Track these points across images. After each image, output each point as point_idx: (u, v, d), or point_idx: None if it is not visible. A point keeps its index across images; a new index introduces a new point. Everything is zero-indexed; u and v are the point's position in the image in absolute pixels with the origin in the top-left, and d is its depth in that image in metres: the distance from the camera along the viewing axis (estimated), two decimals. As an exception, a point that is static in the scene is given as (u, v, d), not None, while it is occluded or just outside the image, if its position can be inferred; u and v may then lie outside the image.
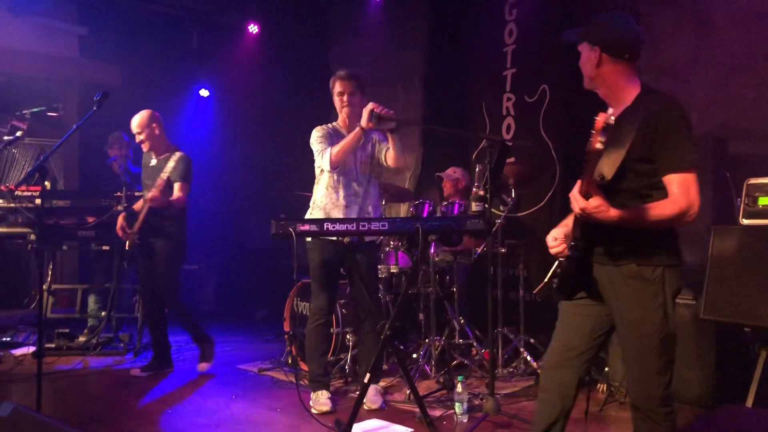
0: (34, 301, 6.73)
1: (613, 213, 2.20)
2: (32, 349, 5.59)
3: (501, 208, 5.29)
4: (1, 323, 6.33)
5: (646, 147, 2.28)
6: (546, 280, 2.54)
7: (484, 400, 4.02)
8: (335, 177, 4.16)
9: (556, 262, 2.50)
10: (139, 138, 4.93)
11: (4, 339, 5.94)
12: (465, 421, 3.85)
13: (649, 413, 2.37)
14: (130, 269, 5.67)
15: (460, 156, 6.27)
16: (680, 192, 2.25)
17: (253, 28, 7.87)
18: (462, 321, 5.01)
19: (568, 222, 2.48)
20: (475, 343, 4.93)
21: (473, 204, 3.83)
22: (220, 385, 4.76)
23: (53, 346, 5.53)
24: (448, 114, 6.60)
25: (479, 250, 5.00)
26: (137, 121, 4.93)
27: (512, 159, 5.58)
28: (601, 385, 4.31)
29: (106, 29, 7.47)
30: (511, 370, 4.81)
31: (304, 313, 5.03)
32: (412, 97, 7.08)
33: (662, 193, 2.30)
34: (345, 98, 4.18)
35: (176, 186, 4.81)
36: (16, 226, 5.78)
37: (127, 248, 4.90)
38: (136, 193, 5.25)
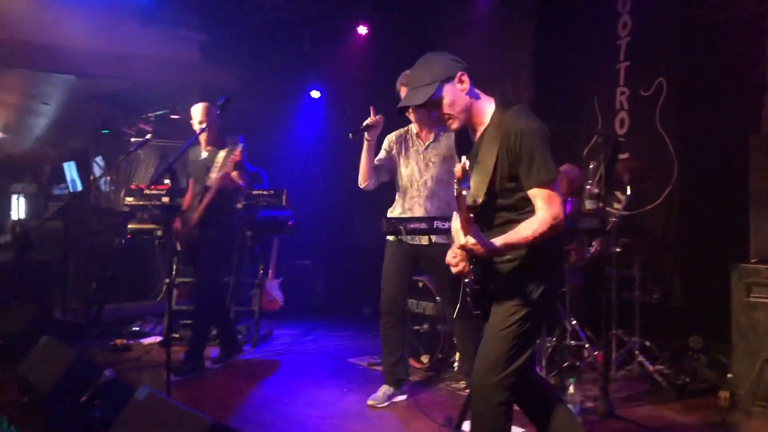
0: (161, 294, 7.19)
1: (488, 248, 2.33)
2: (159, 338, 5.95)
3: (615, 205, 5.13)
4: (131, 314, 6.76)
5: (508, 165, 2.44)
6: (459, 303, 2.58)
7: (597, 402, 3.93)
8: (398, 183, 4.23)
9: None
10: (201, 127, 4.86)
11: (133, 329, 6.34)
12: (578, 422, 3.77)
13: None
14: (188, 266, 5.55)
15: (573, 152, 6.11)
16: (544, 205, 2.40)
17: (362, 30, 8.00)
18: (574, 322, 4.89)
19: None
20: (587, 345, 4.81)
21: (587, 202, 3.75)
22: (331, 378, 4.90)
23: (178, 336, 5.85)
24: (559, 109, 6.45)
25: (593, 249, 4.87)
26: (202, 110, 4.92)
27: (626, 155, 5.39)
28: (724, 393, 4.10)
29: (224, 35, 7.83)
30: (625, 373, 4.66)
31: (416, 311, 5.10)
32: (521, 93, 6.96)
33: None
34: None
35: (234, 174, 4.79)
36: (145, 223, 6.21)
37: (180, 247, 4.94)
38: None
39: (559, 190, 2.47)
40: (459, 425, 3.55)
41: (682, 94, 5.36)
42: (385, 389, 4.19)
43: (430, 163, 4.12)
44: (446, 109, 2.55)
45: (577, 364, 4.76)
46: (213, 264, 4.96)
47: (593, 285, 5.01)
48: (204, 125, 4.85)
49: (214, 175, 4.71)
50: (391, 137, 4.27)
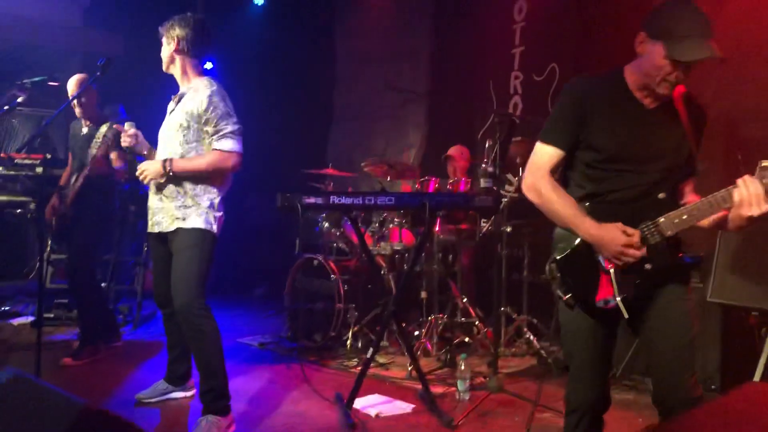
0: (34, 271, 6.69)
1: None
2: (31, 318, 5.56)
3: (506, 187, 5.23)
4: (0, 293, 6.29)
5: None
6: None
7: (486, 379, 4.00)
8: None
9: None
10: (78, 101, 4.51)
11: (3, 309, 5.91)
12: (467, 398, 3.82)
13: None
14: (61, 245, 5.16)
15: (466, 134, 6.19)
16: None
17: (258, 0, 7.74)
18: (465, 300, 4.97)
19: None
20: (477, 322, 4.90)
21: (482, 180, 3.78)
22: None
23: (52, 316, 5.50)
24: (455, 91, 6.52)
25: (485, 229, 4.95)
26: (74, 83, 4.55)
27: (519, 138, 5.51)
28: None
29: (109, -2, 7.35)
30: (514, 349, 4.79)
31: (310, 289, 5.01)
32: (419, 73, 6.99)
33: None
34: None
35: (113, 156, 4.42)
36: (16, 195, 5.73)
37: (55, 224, 4.57)
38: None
39: None
40: (350, 403, 3.51)
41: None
42: (159, 384, 3.77)
43: None
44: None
45: (468, 340, 4.84)
46: (89, 244, 4.63)
47: (484, 264, 5.11)
48: (83, 98, 4.51)
49: (93, 152, 4.39)
50: None
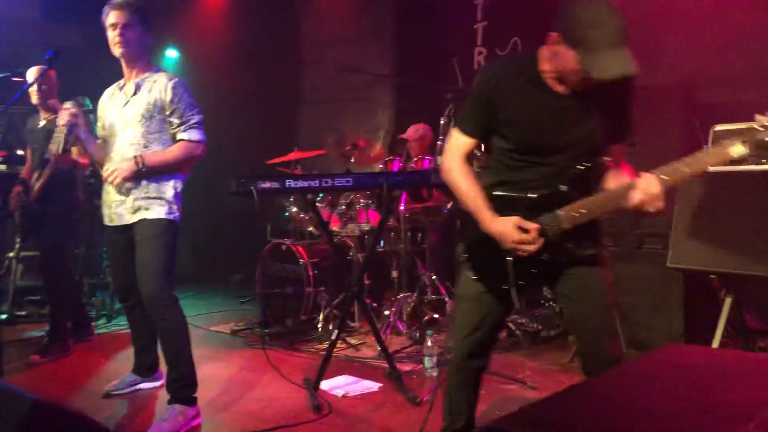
0: (2, 269, 6.63)
1: None
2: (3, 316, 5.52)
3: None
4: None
5: None
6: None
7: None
8: None
9: None
10: (39, 90, 4.45)
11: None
12: (434, 374, 3.86)
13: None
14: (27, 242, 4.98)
15: (433, 112, 6.17)
16: None
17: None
18: (434, 277, 4.99)
19: None
20: (447, 299, 4.93)
21: (438, 158, 3.77)
22: (193, 347, 4.71)
23: (24, 313, 5.46)
24: (420, 69, 6.50)
25: (449, 206, 4.96)
26: (36, 70, 4.47)
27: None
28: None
29: (67, -10, 7.23)
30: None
31: (280, 274, 5.01)
32: (384, 54, 6.96)
33: None
34: (117, 32, 3.32)
35: (75, 150, 4.34)
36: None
37: (20, 221, 4.53)
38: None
39: None
40: (316, 385, 3.53)
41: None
42: (127, 376, 3.75)
43: None
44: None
45: (437, 317, 4.87)
46: (58, 240, 4.59)
47: (453, 240, 5.12)
48: (45, 87, 4.47)
49: (54, 147, 4.32)
50: None
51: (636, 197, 2.04)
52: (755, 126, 1.95)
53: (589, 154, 2.16)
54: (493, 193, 2.21)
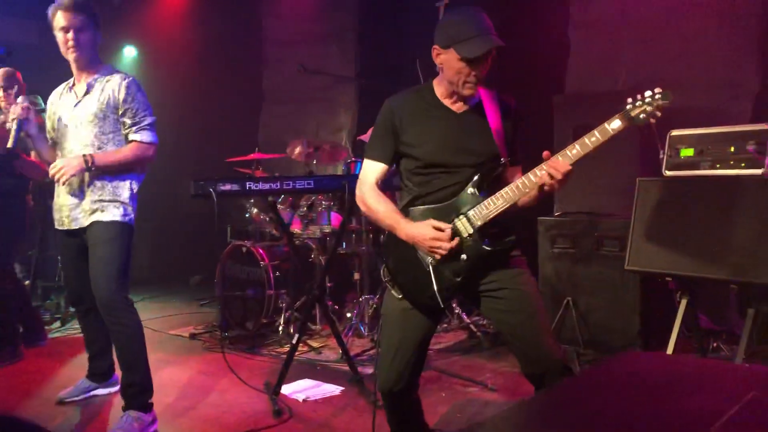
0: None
1: None
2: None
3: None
4: None
5: None
6: None
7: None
8: None
9: None
10: (4, 91, 4.28)
11: None
12: (396, 377, 3.84)
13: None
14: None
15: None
16: None
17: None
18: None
19: None
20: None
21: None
22: (150, 352, 4.63)
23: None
24: (383, 71, 6.49)
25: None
26: (6, 73, 4.35)
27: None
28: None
29: (20, -16, 7.02)
30: (444, 325, 4.84)
31: (240, 276, 4.95)
32: (347, 54, 6.94)
33: None
34: (71, 35, 3.21)
35: (34, 153, 4.12)
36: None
37: None
38: None
39: None
40: (277, 390, 3.49)
41: (496, 56, 5.57)
42: (81, 382, 3.66)
43: None
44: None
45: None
46: (6, 244, 4.46)
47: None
48: (13, 90, 4.14)
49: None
50: None
51: (543, 174, 2.19)
52: (628, 104, 2.25)
53: (491, 158, 2.33)
54: (409, 209, 2.36)
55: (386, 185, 2.51)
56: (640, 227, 3.74)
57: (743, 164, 3.33)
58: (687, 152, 3.67)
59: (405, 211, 2.35)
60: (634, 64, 4.94)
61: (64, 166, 3.15)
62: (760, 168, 3.24)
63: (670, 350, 3.63)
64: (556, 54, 5.25)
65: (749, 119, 4.41)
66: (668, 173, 3.73)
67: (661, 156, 3.81)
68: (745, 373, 1.30)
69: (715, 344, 4.05)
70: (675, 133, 3.73)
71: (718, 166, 3.44)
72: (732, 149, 3.39)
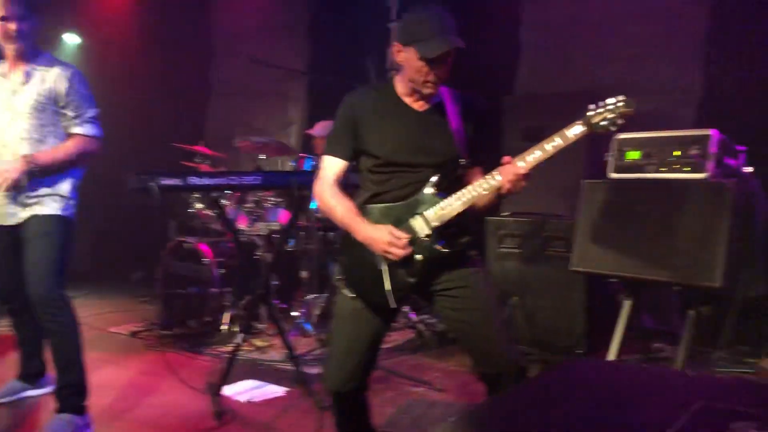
0: None
1: None
2: None
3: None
4: None
5: None
6: None
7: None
8: None
9: None
10: None
11: None
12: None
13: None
14: None
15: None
16: None
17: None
18: (344, 278, 4.93)
19: None
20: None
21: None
22: (88, 349, 4.46)
23: None
24: (334, 65, 6.41)
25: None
26: None
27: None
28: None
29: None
30: (392, 323, 4.81)
31: (183, 273, 4.82)
32: (297, 47, 6.84)
33: None
34: (13, 26, 3.07)
35: None
36: None
37: None
38: None
39: None
40: (219, 391, 3.40)
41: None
42: (12, 383, 3.49)
43: None
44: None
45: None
46: None
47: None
48: None
49: None
50: None
51: (499, 178, 2.20)
52: (590, 110, 2.19)
53: (451, 159, 2.31)
54: (367, 206, 2.33)
55: (345, 182, 2.45)
56: (586, 228, 3.77)
57: (687, 168, 3.39)
58: (633, 155, 3.72)
59: (362, 209, 2.31)
60: (583, 66, 5.00)
61: (4, 172, 2.99)
62: (703, 172, 3.30)
63: (613, 351, 3.68)
64: (506, 55, 5.27)
65: (693, 124, 4.51)
66: (614, 175, 3.77)
67: (606, 158, 3.86)
68: (692, 381, 1.30)
69: (657, 344, 4.12)
70: (621, 136, 3.77)
71: (662, 169, 3.50)
72: (677, 153, 3.44)
